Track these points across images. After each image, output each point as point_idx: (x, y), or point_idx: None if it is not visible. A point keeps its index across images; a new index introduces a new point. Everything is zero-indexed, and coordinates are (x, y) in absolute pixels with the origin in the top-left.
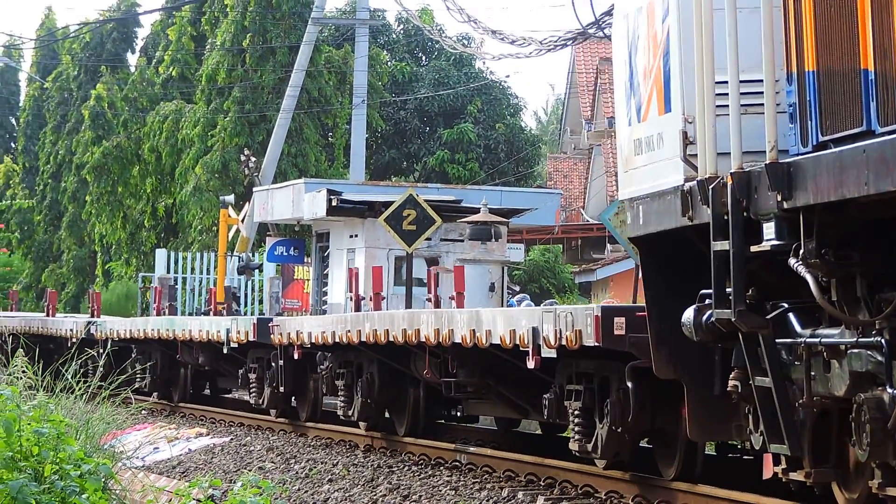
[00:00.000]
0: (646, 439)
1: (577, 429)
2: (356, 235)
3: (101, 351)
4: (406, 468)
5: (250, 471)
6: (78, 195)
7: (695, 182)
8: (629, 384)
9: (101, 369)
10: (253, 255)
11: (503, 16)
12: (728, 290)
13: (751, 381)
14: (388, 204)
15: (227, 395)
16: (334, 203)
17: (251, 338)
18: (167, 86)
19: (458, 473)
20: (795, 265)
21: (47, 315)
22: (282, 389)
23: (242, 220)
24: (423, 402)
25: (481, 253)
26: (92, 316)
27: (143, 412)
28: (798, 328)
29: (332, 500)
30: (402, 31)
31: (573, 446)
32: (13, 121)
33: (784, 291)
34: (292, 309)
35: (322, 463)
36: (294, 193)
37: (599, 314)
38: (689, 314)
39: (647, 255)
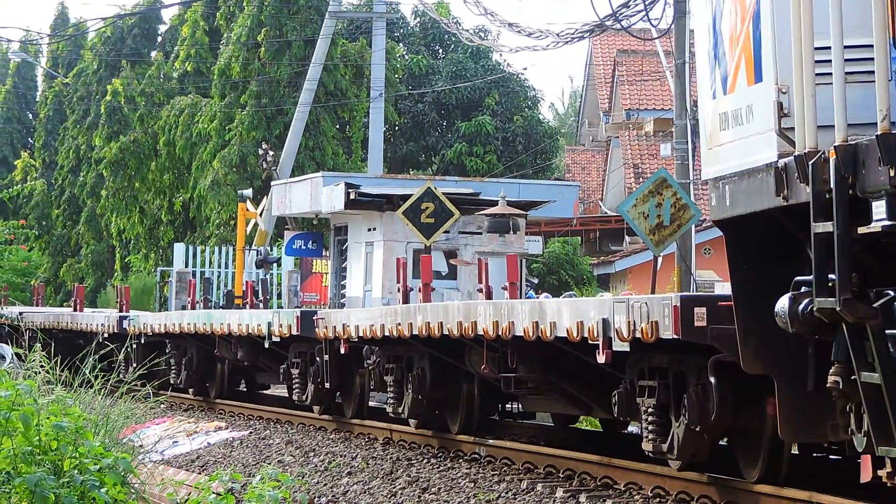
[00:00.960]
0: (724, 439)
1: (650, 427)
2: (374, 229)
3: (134, 346)
4: (425, 460)
5: (269, 464)
6: (96, 190)
7: (791, 158)
8: (712, 380)
9: (134, 364)
10: (271, 249)
11: (519, 8)
12: (830, 276)
13: (854, 377)
14: (406, 197)
15: (263, 392)
16: (352, 196)
17: (294, 331)
18: (184, 81)
19: (476, 465)
20: None
21: (75, 310)
22: (327, 385)
23: (260, 214)
24: (477, 398)
25: (500, 245)
26: (121, 310)
27: (163, 406)
28: None
29: (350, 493)
30: (418, 24)
31: (646, 446)
32: (30, 115)
33: (889, 278)
34: (311, 303)
35: (341, 456)
36: (312, 187)
37: (679, 304)
38: (783, 303)
39: (734, 239)
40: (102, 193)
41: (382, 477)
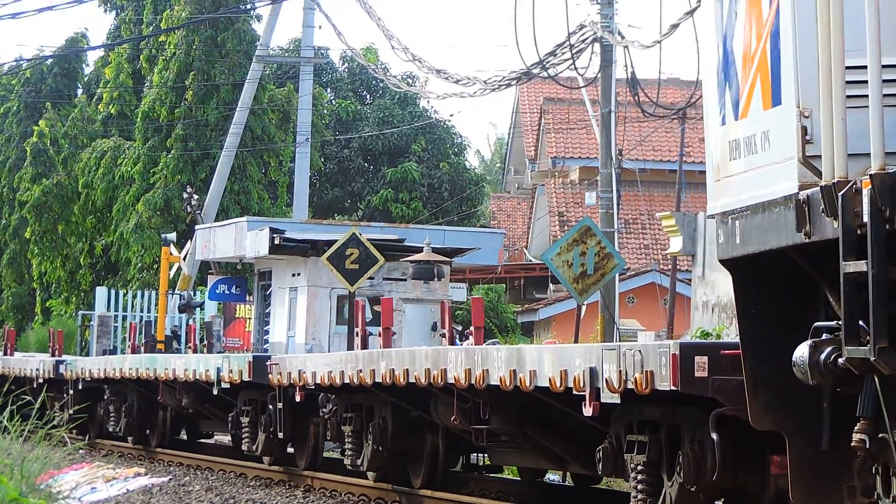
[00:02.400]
0: (721, 500)
1: (639, 486)
2: (298, 274)
3: (71, 392)
4: None
5: None
6: (19, 232)
7: (816, 189)
8: (714, 436)
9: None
10: (194, 294)
11: (448, 55)
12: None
13: (882, 435)
14: (331, 243)
15: (206, 441)
16: (277, 241)
17: (245, 377)
18: (107, 123)
19: None
20: None
21: (5, 353)
22: (280, 435)
23: (184, 258)
24: (442, 450)
25: (424, 292)
26: (53, 354)
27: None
28: None
29: None
30: (345, 70)
31: None
32: None
33: None
34: (233, 348)
35: (262, 503)
36: (236, 231)
37: (678, 353)
38: (802, 351)
39: (743, 280)
40: (28, 236)
41: None
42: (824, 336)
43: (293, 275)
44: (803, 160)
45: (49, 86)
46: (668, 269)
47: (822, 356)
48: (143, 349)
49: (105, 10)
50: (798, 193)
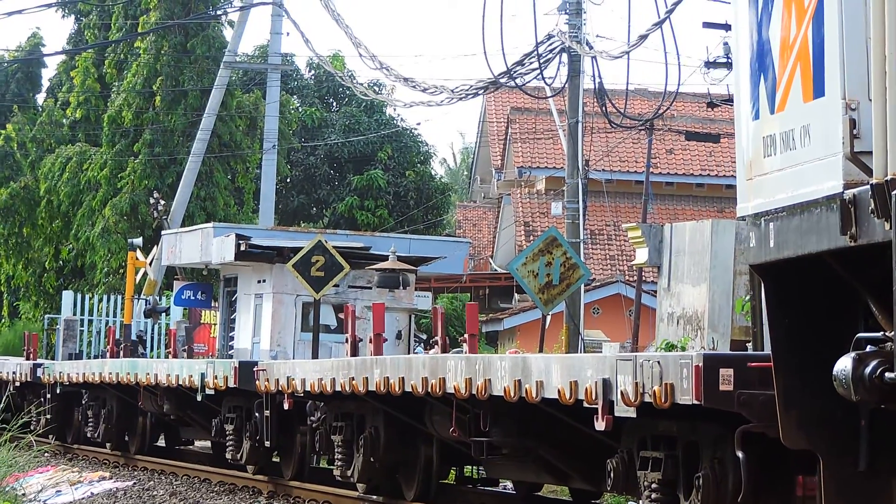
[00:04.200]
0: None
1: None
2: (264, 281)
3: (48, 396)
4: None
5: None
6: None
7: (865, 187)
8: (739, 454)
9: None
10: (160, 299)
11: (415, 63)
12: None
13: None
14: (296, 250)
15: (186, 447)
16: (243, 248)
17: (231, 384)
18: (75, 127)
19: None
20: None
21: None
22: (266, 444)
23: (150, 263)
24: (436, 462)
25: (389, 300)
26: (27, 358)
27: (46, 454)
28: None
29: None
30: (312, 77)
31: None
32: None
33: None
34: (199, 353)
35: None
36: (202, 237)
37: (701, 364)
38: (844, 364)
39: (776, 288)
40: None
41: None
42: (868, 349)
43: (259, 281)
44: (851, 156)
45: (13, 91)
46: (634, 281)
47: (868, 370)
48: (122, 353)
49: (63, 16)
50: (843, 193)
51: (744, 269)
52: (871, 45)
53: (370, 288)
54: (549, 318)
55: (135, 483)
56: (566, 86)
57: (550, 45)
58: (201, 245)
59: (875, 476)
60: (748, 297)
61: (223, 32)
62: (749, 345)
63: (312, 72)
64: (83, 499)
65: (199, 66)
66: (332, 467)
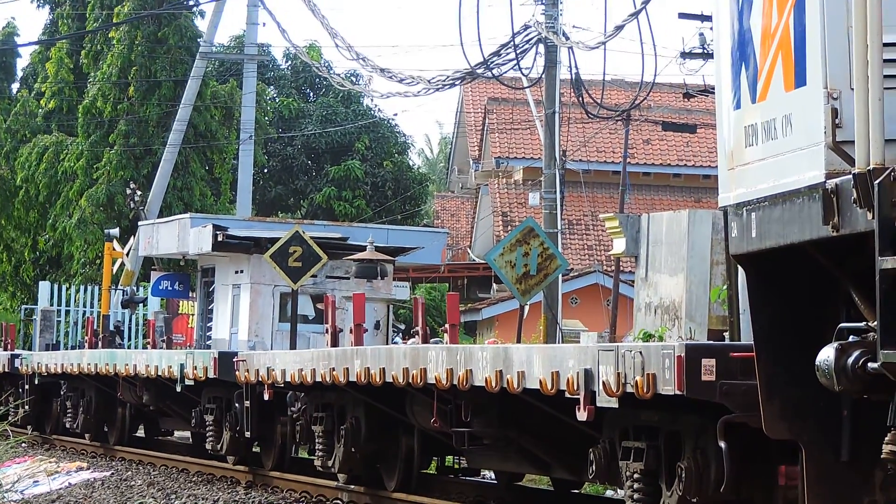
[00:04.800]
0: None
1: (635, 496)
2: (241, 271)
3: (26, 387)
4: None
5: None
6: None
7: (847, 177)
8: (722, 444)
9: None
10: (137, 289)
11: (392, 54)
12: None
13: None
14: (274, 240)
15: (166, 438)
16: (220, 238)
17: (211, 374)
18: (49, 118)
19: None
20: None
21: None
22: (247, 434)
23: (127, 254)
24: (417, 452)
25: (367, 291)
26: (5, 348)
27: (24, 445)
28: None
29: None
30: (289, 68)
31: None
32: None
33: None
34: (177, 344)
35: (203, 499)
36: (179, 228)
37: (683, 354)
38: (827, 355)
39: (758, 278)
40: None
41: None
42: (851, 338)
43: (236, 272)
44: (833, 145)
45: None
46: (612, 271)
47: (850, 360)
48: (100, 344)
49: (38, 6)
50: (825, 182)
51: (720, 258)
52: (853, 34)
53: (348, 278)
54: (526, 308)
55: (112, 473)
56: (543, 76)
57: (527, 35)
58: (178, 235)
59: (857, 466)
60: (725, 287)
61: (195, 22)
62: (726, 334)
63: (289, 62)
64: (60, 489)
65: (172, 56)
66: (312, 458)
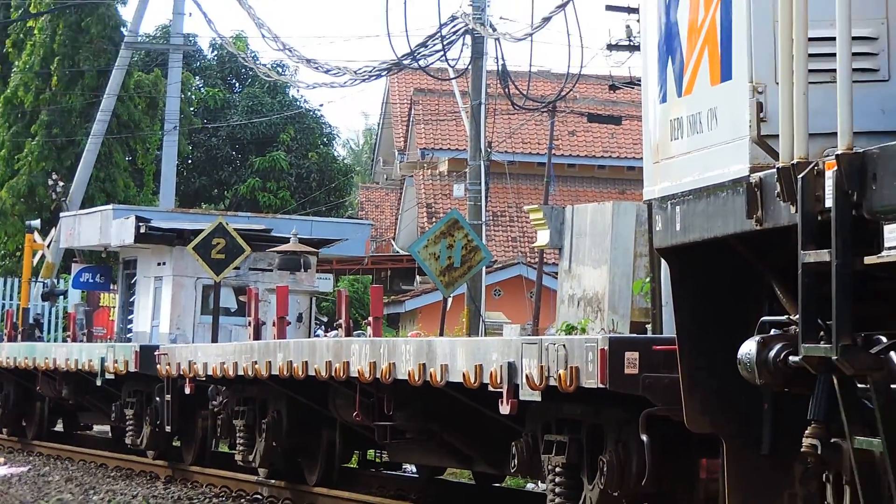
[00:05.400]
0: None
1: (557, 489)
2: (164, 263)
3: None
4: (206, 500)
5: (47, 502)
6: None
7: (771, 171)
8: (644, 438)
9: None
10: (58, 282)
11: (318, 45)
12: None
13: (834, 440)
14: (197, 232)
15: (84, 432)
16: (142, 230)
17: (132, 368)
18: None
19: None
20: None
21: None
22: (168, 428)
23: (48, 246)
24: (339, 446)
25: (290, 283)
26: None
27: None
28: None
29: None
30: (215, 58)
31: None
32: None
33: (874, 319)
34: (98, 337)
35: (122, 494)
36: (102, 219)
37: (606, 347)
38: (748, 348)
39: (681, 271)
40: None
41: None
42: (773, 332)
43: (158, 264)
44: (758, 139)
45: None
46: (535, 262)
47: (772, 354)
48: (19, 337)
49: None
50: (749, 176)
51: (644, 250)
52: (779, 29)
53: (271, 270)
54: (450, 300)
55: (30, 469)
56: (469, 67)
57: (454, 26)
58: (100, 227)
59: (777, 459)
60: (648, 279)
61: (118, 11)
62: (648, 326)
63: (215, 52)
64: None
65: (95, 45)
66: (233, 452)
